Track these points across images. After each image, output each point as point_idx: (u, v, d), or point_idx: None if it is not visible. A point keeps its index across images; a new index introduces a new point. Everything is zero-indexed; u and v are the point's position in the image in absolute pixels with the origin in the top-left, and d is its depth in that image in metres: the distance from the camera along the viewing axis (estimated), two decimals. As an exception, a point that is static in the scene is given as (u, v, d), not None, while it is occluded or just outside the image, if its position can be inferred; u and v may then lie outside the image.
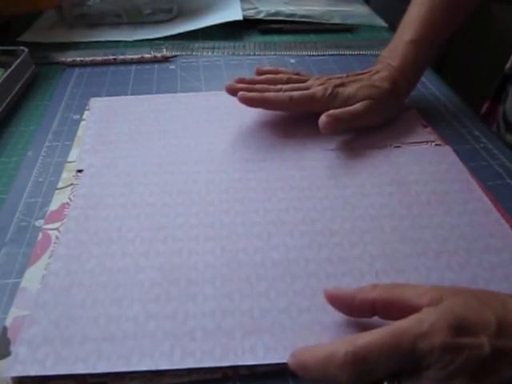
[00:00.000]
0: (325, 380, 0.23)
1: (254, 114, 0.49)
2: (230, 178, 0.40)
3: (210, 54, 0.64)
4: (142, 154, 0.43)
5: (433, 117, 0.49)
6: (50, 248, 0.33)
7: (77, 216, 0.36)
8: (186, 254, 0.33)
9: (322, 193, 0.38)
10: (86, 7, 0.69)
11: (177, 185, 0.39)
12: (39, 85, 0.56)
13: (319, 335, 0.28)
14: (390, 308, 0.25)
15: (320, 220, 0.36)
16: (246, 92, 0.44)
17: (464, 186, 0.39)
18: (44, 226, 0.35)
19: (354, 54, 0.63)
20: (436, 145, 0.45)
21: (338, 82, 0.46)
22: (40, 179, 0.40)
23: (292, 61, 0.62)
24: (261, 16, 0.73)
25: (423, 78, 0.57)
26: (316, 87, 0.45)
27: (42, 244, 0.34)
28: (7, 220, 0.36)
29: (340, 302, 0.27)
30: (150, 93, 0.54)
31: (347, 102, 0.44)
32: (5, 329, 0.28)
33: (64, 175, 0.40)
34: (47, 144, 0.45)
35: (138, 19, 0.72)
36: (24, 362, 0.26)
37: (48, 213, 0.37)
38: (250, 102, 0.45)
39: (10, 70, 0.51)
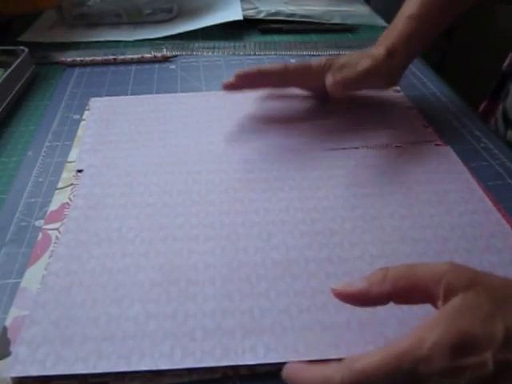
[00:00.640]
0: None
1: (253, 113, 0.49)
2: (230, 178, 0.40)
3: (210, 53, 0.64)
4: (142, 153, 0.43)
5: (433, 117, 0.49)
6: (50, 248, 0.33)
7: (77, 216, 0.36)
8: (186, 254, 0.33)
9: (323, 193, 0.38)
10: (86, 7, 0.69)
11: (177, 185, 0.39)
12: (39, 85, 0.56)
13: (319, 335, 0.28)
14: (407, 297, 0.24)
15: (320, 220, 0.36)
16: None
17: (464, 186, 0.39)
18: (44, 226, 0.35)
19: (355, 54, 0.63)
20: (436, 145, 0.45)
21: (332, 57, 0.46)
22: (40, 179, 0.40)
23: (292, 61, 0.62)
24: (261, 16, 0.73)
25: (424, 78, 0.57)
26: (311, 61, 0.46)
27: (41, 244, 0.34)
28: (7, 220, 0.36)
29: (352, 299, 0.25)
30: (150, 93, 0.54)
31: (343, 67, 0.44)
32: (5, 329, 0.28)
33: (64, 175, 0.40)
34: (47, 144, 0.45)
35: (138, 19, 0.72)
36: (24, 362, 0.26)
37: (48, 213, 0.36)
38: (245, 78, 0.45)
39: (9, 70, 0.51)
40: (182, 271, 0.32)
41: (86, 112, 0.49)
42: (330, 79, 0.43)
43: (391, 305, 0.29)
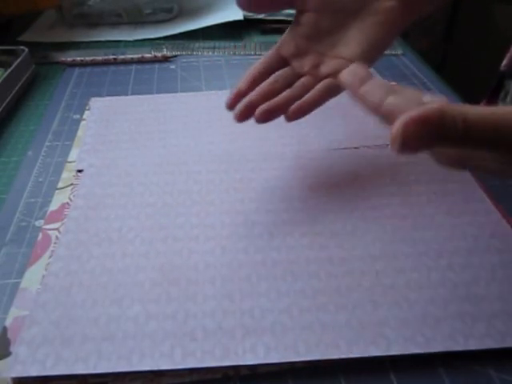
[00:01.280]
0: None
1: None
2: (231, 178, 0.40)
3: (210, 53, 0.64)
4: (143, 153, 0.43)
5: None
6: (50, 248, 0.33)
7: (77, 216, 0.36)
8: (186, 254, 0.33)
9: (323, 193, 0.38)
10: (86, 7, 0.69)
11: (177, 185, 0.39)
12: (39, 84, 0.56)
13: (320, 335, 0.28)
14: None
15: (321, 220, 0.36)
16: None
17: (465, 186, 0.39)
18: (44, 226, 0.35)
19: (355, 54, 0.63)
20: (437, 145, 0.44)
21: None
22: (40, 179, 0.40)
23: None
24: (261, 16, 0.73)
25: (424, 79, 0.57)
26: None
27: (42, 244, 0.34)
28: (7, 220, 0.36)
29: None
30: (151, 93, 0.54)
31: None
32: (5, 329, 0.28)
33: (64, 175, 0.40)
34: (47, 144, 0.45)
35: (138, 19, 0.72)
36: (24, 363, 0.26)
37: (48, 213, 0.36)
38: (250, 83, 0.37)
39: (9, 70, 0.51)
40: (183, 271, 0.32)
41: (86, 112, 0.49)
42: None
43: (390, 304, 0.29)
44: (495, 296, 0.30)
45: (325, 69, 0.37)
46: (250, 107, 0.35)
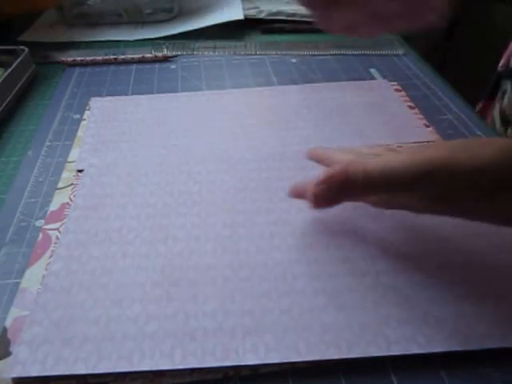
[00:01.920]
0: None
1: (254, 113, 0.49)
2: (231, 178, 0.40)
3: (211, 53, 0.63)
4: (143, 153, 0.43)
5: (435, 116, 0.49)
6: (51, 248, 0.33)
7: (77, 216, 0.36)
8: (186, 255, 0.33)
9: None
10: (86, 6, 0.69)
11: (178, 185, 0.39)
12: (39, 84, 0.56)
13: (321, 335, 0.28)
14: None
15: (322, 220, 0.36)
16: None
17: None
18: (44, 226, 0.35)
19: (356, 54, 0.63)
20: (437, 145, 0.44)
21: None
22: (40, 179, 0.40)
23: (293, 60, 0.62)
24: (262, 16, 0.73)
25: (425, 78, 0.57)
26: None
27: (42, 244, 0.34)
28: (7, 220, 0.36)
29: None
30: (151, 92, 0.54)
31: None
32: (5, 329, 0.28)
33: (64, 175, 0.40)
34: (47, 144, 0.45)
35: (138, 19, 0.71)
36: (24, 363, 0.26)
37: (48, 213, 0.36)
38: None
39: (10, 70, 0.51)
40: (183, 271, 0.31)
41: (87, 112, 0.49)
42: None
43: (390, 304, 0.29)
44: (496, 296, 0.30)
45: None
46: None
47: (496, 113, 0.59)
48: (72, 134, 0.46)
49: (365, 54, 0.63)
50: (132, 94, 0.53)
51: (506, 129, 0.56)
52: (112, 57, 0.60)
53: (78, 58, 0.60)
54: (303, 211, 0.36)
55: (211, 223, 0.35)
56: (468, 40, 1.26)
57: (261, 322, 0.28)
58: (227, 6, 0.74)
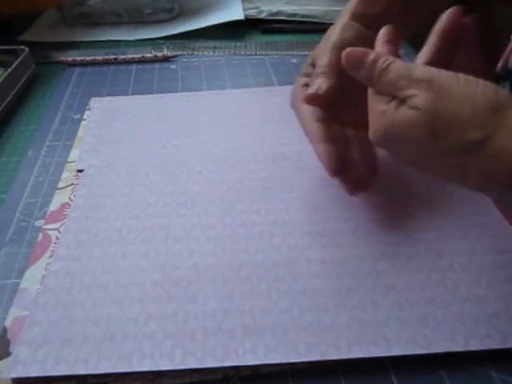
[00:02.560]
0: None
1: (254, 113, 0.49)
2: (231, 178, 0.40)
3: (211, 53, 0.63)
4: (143, 153, 0.43)
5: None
6: (50, 248, 0.33)
7: (77, 216, 0.36)
8: (186, 255, 0.33)
9: (324, 193, 0.38)
10: (86, 6, 0.69)
11: (177, 185, 0.39)
12: (39, 84, 0.56)
13: (321, 335, 0.28)
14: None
15: (322, 220, 0.36)
16: None
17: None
18: (44, 226, 0.35)
19: (356, 54, 0.63)
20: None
21: None
22: (40, 179, 0.40)
23: (294, 60, 0.61)
24: (262, 16, 0.73)
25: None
26: None
27: (42, 244, 0.34)
28: (7, 220, 0.36)
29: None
30: (151, 92, 0.54)
31: None
32: (5, 329, 0.28)
33: (64, 175, 0.40)
34: (47, 144, 0.45)
35: (138, 18, 0.71)
36: (24, 363, 0.26)
37: (48, 213, 0.36)
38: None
39: (10, 70, 0.51)
40: (183, 271, 0.31)
41: (87, 112, 0.49)
42: None
43: (392, 305, 0.29)
44: (496, 297, 0.30)
45: None
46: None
47: None
48: (72, 134, 0.46)
49: (365, 54, 0.63)
50: (132, 94, 0.53)
51: None
52: (112, 57, 0.60)
53: (78, 58, 0.60)
54: (303, 211, 0.36)
55: (211, 223, 0.35)
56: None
57: (261, 322, 0.28)
58: (227, 6, 0.74)
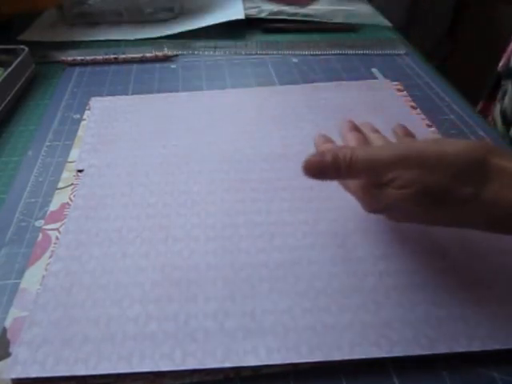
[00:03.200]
0: None
1: (255, 113, 0.48)
2: (232, 178, 0.39)
3: (211, 53, 0.63)
4: (143, 153, 0.43)
5: (437, 117, 0.49)
6: (50, 248, 0.33)
7: (77, 216, 0.36)
8: (187, 255, 0.33)
9: (325, 193, 0.38)
10: (86, 6, 0.69)
11: (178, 185, 0.39)
12: (39, 84, 0.56)
13: (322, 336, 0.27)
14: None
15: (323, 220, 0.35)
16: None
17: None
18: (44, 226, 0.35)
19: (358, 54, 0.63)
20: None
21: None
22: (40, 179, 0.40)
23: (295, 60, 0.61)
24: (263, 15, 0.72)
25: (427, 78, 0.56)
26: None
27: (42, 244, 0.34)
28: (7, 220, 0.36)
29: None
30: (152, 92, 0.53)
31: None
32: (4, 330, 0.28)
33: (64, 175, 0.40)
34: (47, 144, 0.44)
35: (139, 18, 0.71)
36: (24, 363, 0.26)
37: (48, 213, 0.36)
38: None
39: (10, 69, 0.51)
40: (183, 272, 0.31)
41: (87, 111, 0.49)
42: None
43: (393, 305, 0.29)
44: (498, 298, 0.30)
45: None
46: None
47: (497, 113, 0.59)
48: (72, 134, 0.46)
49: (366, 54, 0.63)
50: (132, 94, 0.53)
51: (508, 129, 0.55)
52: (112, 56, 0.60)
53: (78, 58, 0.59)
54: (304, 211, 0.36)
55: (211, 223, 0.35)
56: (470, 40, 1.26)
57: (262, 323, 0.28)
58: (228, 6, 0.74)
